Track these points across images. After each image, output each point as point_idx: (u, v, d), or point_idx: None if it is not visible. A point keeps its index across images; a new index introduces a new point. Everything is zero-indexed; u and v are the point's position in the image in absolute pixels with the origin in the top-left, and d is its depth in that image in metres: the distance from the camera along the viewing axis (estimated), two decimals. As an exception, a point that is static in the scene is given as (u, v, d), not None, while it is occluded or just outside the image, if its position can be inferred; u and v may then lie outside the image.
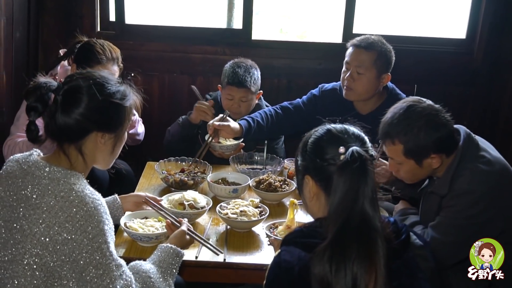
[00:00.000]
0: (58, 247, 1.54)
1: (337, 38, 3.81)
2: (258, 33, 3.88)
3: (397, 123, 2.11)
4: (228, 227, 2.30)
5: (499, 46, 3.72)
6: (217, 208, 2.31)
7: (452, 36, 3.89)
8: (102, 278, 1.57)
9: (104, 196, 1.84)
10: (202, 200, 2.37)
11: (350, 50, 2.93)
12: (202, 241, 2.07)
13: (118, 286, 1.59)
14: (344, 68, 2.96)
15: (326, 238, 1.39)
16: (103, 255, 1.58)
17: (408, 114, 2.10)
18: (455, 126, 2.19)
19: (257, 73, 3.14)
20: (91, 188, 1.65)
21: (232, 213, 2.26)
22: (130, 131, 2.99)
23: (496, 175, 2.08)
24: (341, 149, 1.47)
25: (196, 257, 2.06)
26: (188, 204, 2.31)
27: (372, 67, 2.87)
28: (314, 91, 3.16)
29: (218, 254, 2.06)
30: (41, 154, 1.73)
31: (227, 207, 2.33)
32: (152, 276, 1.72)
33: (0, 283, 1.58)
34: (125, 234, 2.17)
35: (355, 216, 1.39)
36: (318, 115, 3.10)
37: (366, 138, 1.59)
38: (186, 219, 2.07)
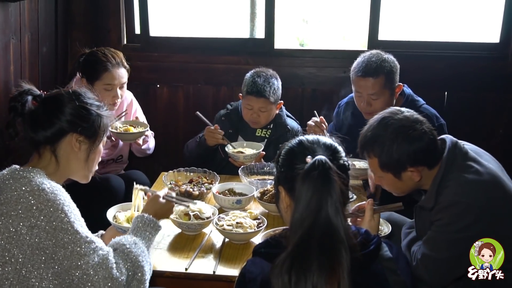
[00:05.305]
0: (22, 239, 1.60)
1: (362, 46, 3.73)
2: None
3: (370, 136, 2.05)
4: (226, 239, 2.28)
5: (535, 49, 3.52)
6: (215, 219, 2.30)
7: (484, 40, 3.71)
8: (72, 257, 1.61)
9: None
10: (208, 210, 2.37)
11: (357, 80, 2.88)
12: (175, 200, 2.10)
13: (91, 262, 1.62)
14: (356, 94, 2.93)
15: (287, 249, 1.37)
16: (67, 233, 1.62)
17: (380, 127, 2.03)
18: (443, 136, 2.09)
19: (277, 83, 3.10)
20: (51, 181, 1.72)
21: (227, 225, 2.24)
22: (143, 147, 3.07)
23: (484, 185, 1.95)
24: (308, 158, 1.46)
25: (186, 269, 2.05)
26: (193, 215, 2.31)
27: (384, 89, 2.85)
28: (334, 112, 3.25)
29: (187, 206, 2.19)
30: None
31: (224, 219, 2.31)
32: (125, 242, 1.77)
33: None
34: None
35: (318, 226, 1.37)
36: (342, 126, 3.09)
37: (339, 148, 1.57)
38: (166, 188, 2.11)
